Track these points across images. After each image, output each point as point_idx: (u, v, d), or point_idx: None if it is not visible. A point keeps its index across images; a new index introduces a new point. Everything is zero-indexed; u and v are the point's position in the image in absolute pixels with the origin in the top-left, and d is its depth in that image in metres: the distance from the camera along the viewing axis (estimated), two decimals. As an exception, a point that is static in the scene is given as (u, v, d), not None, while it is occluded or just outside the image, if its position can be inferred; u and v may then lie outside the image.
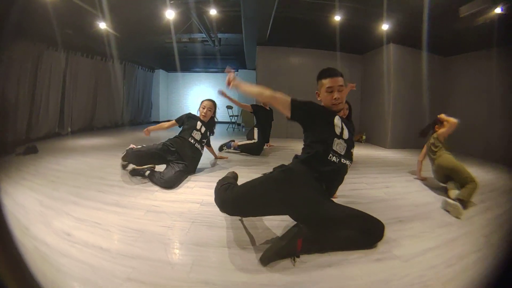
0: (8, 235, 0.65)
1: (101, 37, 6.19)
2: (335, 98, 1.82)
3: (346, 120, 1.87)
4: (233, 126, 9.72)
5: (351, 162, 1.81)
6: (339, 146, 1.74)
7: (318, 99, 1.92)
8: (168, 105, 12.10)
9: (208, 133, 3.45)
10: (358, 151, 5.59)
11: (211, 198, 2.41)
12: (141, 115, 10.11)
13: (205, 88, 12.11)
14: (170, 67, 11.35)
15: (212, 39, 7.81)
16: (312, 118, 1.79)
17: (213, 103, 3.47)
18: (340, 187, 1.90)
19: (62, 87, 6.25)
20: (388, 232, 1.74)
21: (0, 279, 0.60)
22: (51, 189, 2.56)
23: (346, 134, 1.78)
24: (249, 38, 6.85)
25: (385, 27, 5.60)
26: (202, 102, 3.46)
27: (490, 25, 4.60)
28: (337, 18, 5.42)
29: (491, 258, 1.62)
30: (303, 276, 1.36)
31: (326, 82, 1.86)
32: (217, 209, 2.18)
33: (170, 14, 5.52)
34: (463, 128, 5.81)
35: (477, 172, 3.49)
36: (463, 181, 2.69)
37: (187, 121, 3.37)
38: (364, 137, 7.25)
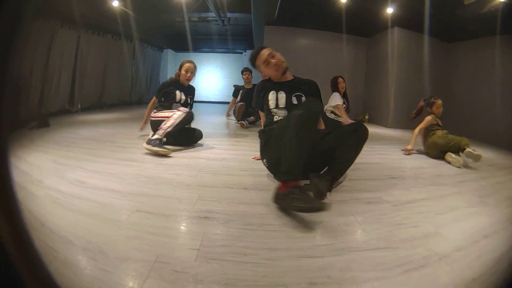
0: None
1: (113, 15, 6.33)
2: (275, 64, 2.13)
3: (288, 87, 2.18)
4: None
5: None
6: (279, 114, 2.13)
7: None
8: (176, 85, 12.31)
9: (189, 99, 3.34)
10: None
11: (216, 155, 2.72)
12: (149, 94, 10.22)
13: (213, 68, 12.26)
14: (178, 47, 11.44)
15: (222, 18, 7.92)
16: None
17: (195, 66, 3.39)
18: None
19: (74, 64, 6.37)
20: (379, 185, 2.04)
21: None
22: (65, 151, 2.67)
23: (282, 103, 2.12)
24: (257, 17, 6.96)
25: (390, 10, 5.69)
26: (184, 64, 3.32)
27: (494, 13, 4.66)
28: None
29: (486, 215, 1.70)
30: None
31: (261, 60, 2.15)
32: (222, 162, 2.47)
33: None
34: (464, 112, 6.08)
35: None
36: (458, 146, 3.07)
37: (164, 95, 3.23)
38: (367, 117, 7.45)
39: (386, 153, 3.47)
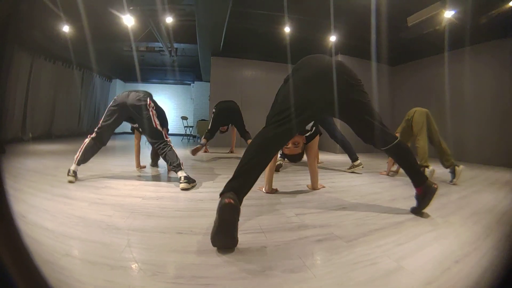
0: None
1: (64, 41, 6.10)
2: None
3: None
4: (188, 138, 9.53)
5: None
6: None
7: None
8: (124, 117, 11.80)
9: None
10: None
11: (153, 193, 2.49)
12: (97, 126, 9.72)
13: (161, 99, 11.95)
14: (127, 77, 11.10)
15: (169, 49, 7.79)
16: None
17: None
18: (285, 183, 2.31)
19: (26, 91, 6.16)
20: (329, 218, 1.87)
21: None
22: (13, 182, 2.72)
23: None
24: (203, 48, 6.94)
25: (333, 38, 5.95)
26: None
27: (439, 31, 5.02)
28: (287, 30, 5.66)
29: (453, 237, 1.61)
30: (238, 256, 1.34)
31: None
32: (158, 201, 2.21)
33: (129, 21, 5.38)
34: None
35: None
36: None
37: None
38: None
39: (336, 180, 3.37)
